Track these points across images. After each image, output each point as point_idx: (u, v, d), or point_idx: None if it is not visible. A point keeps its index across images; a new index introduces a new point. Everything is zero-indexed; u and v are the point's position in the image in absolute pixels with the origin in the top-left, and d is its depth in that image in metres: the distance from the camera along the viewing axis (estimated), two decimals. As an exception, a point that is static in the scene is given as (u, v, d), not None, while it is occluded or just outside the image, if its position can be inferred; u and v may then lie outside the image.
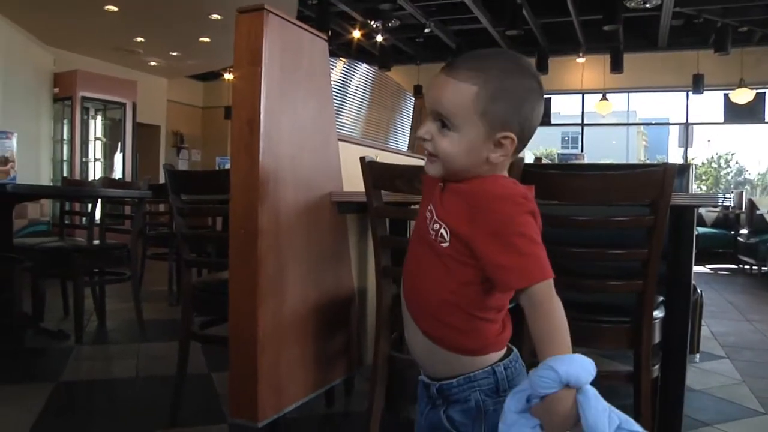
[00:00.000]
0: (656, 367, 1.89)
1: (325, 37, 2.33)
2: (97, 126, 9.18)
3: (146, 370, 3.06)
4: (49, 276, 3.92)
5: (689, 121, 11.37)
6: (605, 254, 1.78)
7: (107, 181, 5.16)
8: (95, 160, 9.11)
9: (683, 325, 1.97)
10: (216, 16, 7.55)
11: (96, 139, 9.13)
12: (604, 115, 11.59)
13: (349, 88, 3.11)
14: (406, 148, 3.81)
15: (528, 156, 9.32)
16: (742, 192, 9.85)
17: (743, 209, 8.68)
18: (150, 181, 4.27)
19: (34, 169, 7.91)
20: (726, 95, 10.40)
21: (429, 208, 1.06)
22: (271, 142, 1.94)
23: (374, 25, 8.92)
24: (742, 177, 20.34)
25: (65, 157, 8.64)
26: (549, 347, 0.90)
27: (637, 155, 25.22)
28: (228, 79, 11.08)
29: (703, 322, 3.48)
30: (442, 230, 1.01)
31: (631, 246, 1.77)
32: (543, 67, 10.47)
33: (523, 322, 1.67)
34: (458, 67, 1.00)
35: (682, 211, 1.94)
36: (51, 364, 3.11)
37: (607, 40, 9.79)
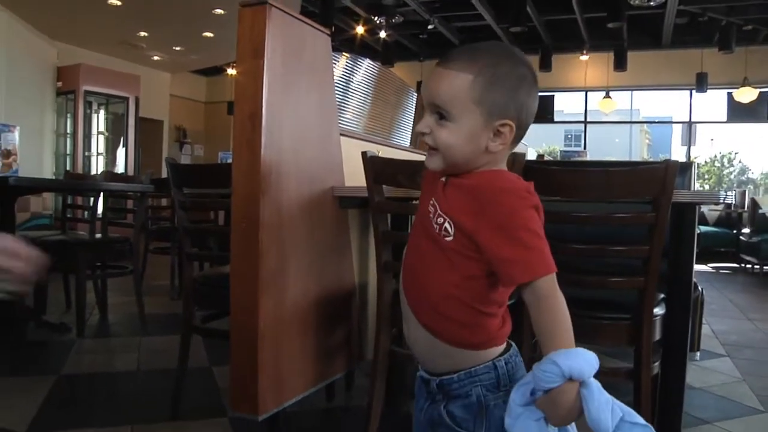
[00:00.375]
0: (656, 364, 1.89)
1: (328, 32, 2.33)
2: (99, 120, 9.18)
3: (148, 364, 3.07)
4: (52, 269, 3.93)
5: (692, 120, 11.35)
6: (606, 251, 1.78)
7: (110, 175, 5.17)
8: (98, 154, 9.12)
9: (684, 323, 1.97)
10: (219, 11, 7.55)
11: (99, 133, 9.14)
12: (607, 113, 11.59)
13: (351, 83, 3.11)
14: (408, 144, 3.81)
15: (531, 153, 9.32)
16: (744, 191, 9.85)
17: (746, 208, 8.67)
18: (152, 176, 4.28)
19: (37, 162, 7.93)
20: (729, 94, 10.38)
21: (432, 202, 1.05)
22: (272, 136, 1.94)
23: (377, 21, 8.90)
24: (745, 176, 20.32)
25: (68, 151, 8.66)
26: (552, 341, 0.91)
27: (640, 153, 25.20)
28: (231, 75, 11.09)
29: (704, 321, 3.48)
30: (446, 224, 1.01)
31: (633, 243, 1.77)
32: (546, 65, 10.45)
33: (523, 319, 1.68)
34: (452, 59, 1.01)
35: (683, 208, 1.94)
36: (53, 357, 3.12)
37: (611, 37, 9.77)
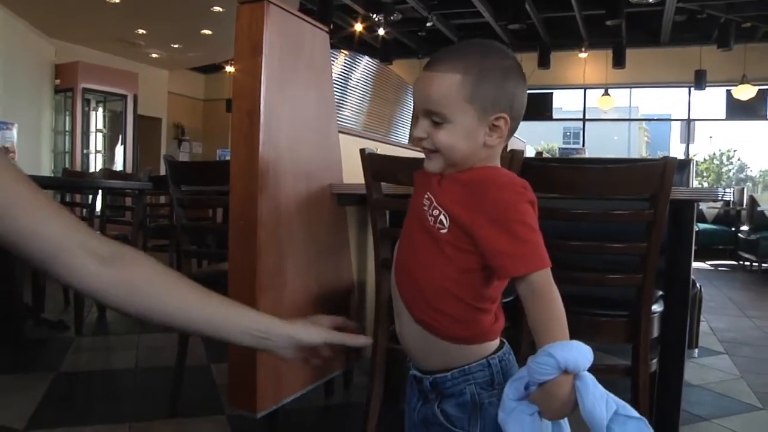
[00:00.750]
0: (654, 361, 1.89)
1: (326, 29, 2.32)
2: (98, 117, 9.16)
3: (146, 361, 3.07)
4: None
5: (691, 117, 11.34)
6: (604, 248, 1.78)
7: (108, 172, 5.16)
8: (96, 151, 9.10)
9: (682, 320, 1.97)
10: (218, 9, 7.54)
11: (97, 130, 9.12)
12: (605, 110, 11.58)
13: (350, 81, 3.11)
14: (407, 141, 3.81)
15: (529, 150, 9.32)
16: (743, 188, 9.85)
17: (744, 206, 8.68)
18: (151, 173, 4.27)
19: (35, 160, 7.91)
20: (728, 91, 10.37)
21: (427, 195, 1.05)
22: (270, 133, 1.94)
23: (376, 18, 8.89)
24: (744, 174, 20.31)
25: (66, 149, 8.64)
26: (547, 334, 0.91)
27: (639, 151, 25.20)
28: (229, 72, 11.06)
29: (702, 318, 3.49)
30: (442, 216, 1.01)
31: (631, 240, 1.77)
32: (545, 62, 10.45)
33: (522, 318, 1.68)
34: (438, 61, 1.02)
35: (682, 205, 1.94)
36: (51, 355, 3.12)
37: (610, 35, 9.76)
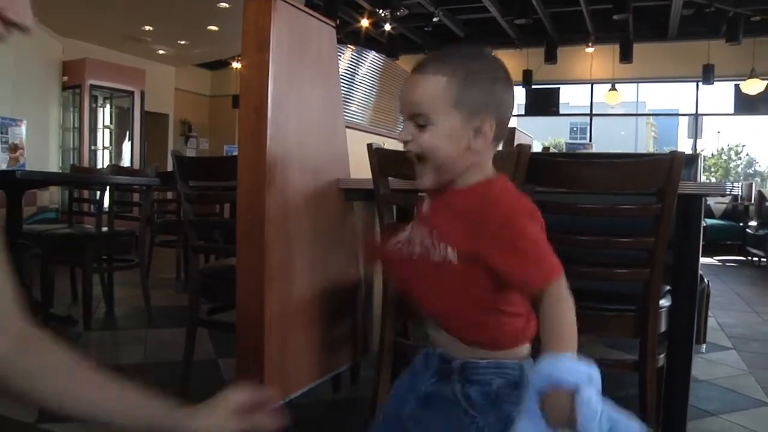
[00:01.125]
0: (662, 356, 1.89)
1: (333, 24, 2.32)
2: (105, 114, 9.20)
3: (153, 356, 3.08)
4: (58, 262, 3.95)
5: (699, 112, 11.29)
6: (612, 242, 1.78)
7: (116, 168, 5.18)
8: (104, 148, 9.13)
9: (689, 315, 1.96)
10: (224, 5, 7.54)
11: (105, 127, 9.16)
12: (613, 105, 11.53)
13: (357, 76, 3.11)
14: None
15: (536, 146, 9.30)
16: (751, 183, 9.80)
17: (752, 201, 8.63)
18: (158, 169, 4.29)
19: (43, 156, 7.95)
20: (737, 86, 10.31)
21: (428, 231, 1.05)
22: (278, 129, 1.94)
23: (382, 14, 8.88)
24: (752, 169, 20.22)
25: (74, 145, 8.68)
26: (549, 344, 0.94)
27: (646, 146, 25.11)
28: (236, 68, 11.07)
29: (710, 313, 3.48)
30: (448, 251, 1.01)
31: (638, 234, 1.77)
32: (552, 57, 10.42)
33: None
34: (425, 64, 1.03)
35: (689, 200, 1.93)
36: (60, 350, 3.13)
37: (617, 29, 9.72)
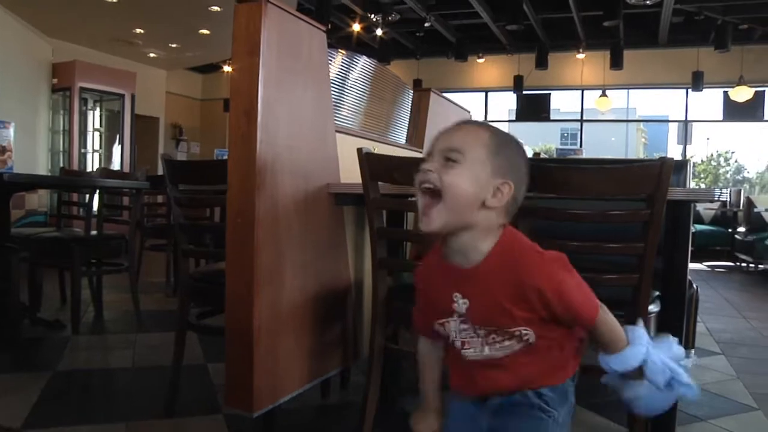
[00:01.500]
0: (651, 361, 1.89)
1: (324, 29, 2.32)
2: (95, 117, 9.16)
3: (143, 361, 3.06)
4: (47, 266, 3.92)
5: (688, 119, 11.37)
6: (601, 248, 1.78)
7: (105, 171, 5.16)
8: (94, 151, 9.09)
9: (678, 320, 1.97)
10: (216, 8, 7.54)
11: (95, 130, 9.12)
12: (603, 111, 11.61)
13: (348, 81, 3.11)
14: (404, 141, 3.81)
15: (527, 151, 9.33)
16: (740, 190, 9.87)
17: (741, 207, 8.69)
18: (148, 173, 4.27)
19: (32, 159, 7.90)
20: (725, 93, 10.40)
21: (485, 331, 1.12)
22: (268, 133, 1.93)
23: (374, 19, 8.89)
24: (741, 175, 20.37)
25: (63, 148, 8.62)
26: (619, 342, 1.14)
27: (637, 152, 25.26)
28: (227, 72, 11.05)
29: (699, 319, 3.50)
30: (523, 332, 1.09)
31: (628, 240, 1.78)
32: (543, 63, 10.47)
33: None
34: (468, 122, 1.17)
35: (679, 205, 1.94)
36: (47, 354, 3.11)
37: (608, 36, 9.79)
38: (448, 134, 1.10)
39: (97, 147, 9.16)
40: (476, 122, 1.16)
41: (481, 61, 11.38)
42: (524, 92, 11.43)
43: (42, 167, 8.25)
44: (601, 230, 1.88)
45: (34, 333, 3.48)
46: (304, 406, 2.44)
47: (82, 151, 8.77)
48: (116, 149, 9.36)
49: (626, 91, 13.62)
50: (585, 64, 10.95)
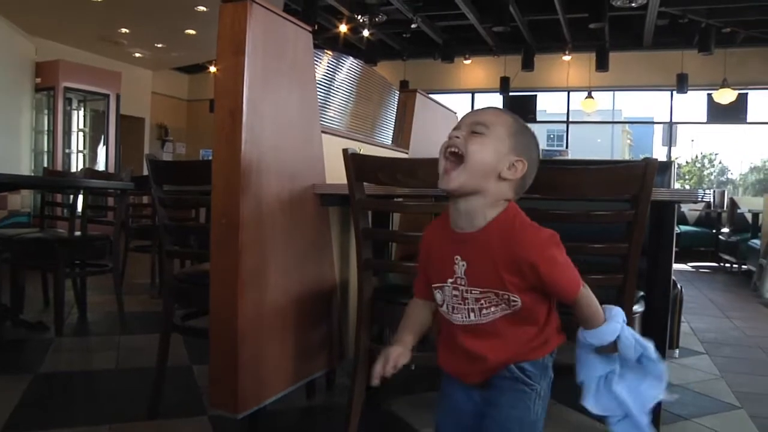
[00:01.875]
0: (635, 361, 1.90)
1: (310, 29, 2.32)
2: (80, 117, 9.08)
3: (126, 362, 3.04)
4: (29, 267, 3.88)
5: (673, 121, 11.46)
6: (586, 248, 1.79)
7: (90, 172, 5.11)
8: (78, 151, 9.02)
9: (663, 320, 1.98)
10: (202, 8, 7.50)
11: (79, 130, 9.04)
12: (589, 113, 11.66)
13: (334, 82, 3.10)
14: (390, 142, 3.81)
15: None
16: (724, 191, 9.96)
17: (725, 208, 8.77)
18: (133, 173, 4.23)
19: (14, 159, 7.82)
20: (709, 95, 10.49)
21: (476, 295, 1.21)
22: (253, 133, 1.93)
23: (361, 20, 8.89)
24: (725, 177, 20.54)
25: (47, 148, 8.54)
26: (598, 318, 1.25)
27: (622, 153, 25.39)
28: (213, 72, 10.99)
29: (683, 319, 3.52)
30: (511, 297, 1.18)
31: (612, 240, 1.78)
32: (529, 65, 10.51)
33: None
34: (496, 107, 1.28)
35: (663, 206, 1.95)
36: (30, 356, 3.08)
37: (593, 38, 9.84)
38: (477, 113, 1.23)
39: (81, 147, 9.08)
40: (502, 108, 1.27)
41: (467, 62, 11.41)
42: (510, 93, 11.46)
43: (25, 167, 8.17)
44: (586, 231, 1.89)
45: (17, 335, 3.43)
46: (289, 407, 2.43)
47: (66, 151, 8.69)
48: (101, 150, 9.29)
49: (612, 92, 13.69)
50: (571, 65, 11.01)
